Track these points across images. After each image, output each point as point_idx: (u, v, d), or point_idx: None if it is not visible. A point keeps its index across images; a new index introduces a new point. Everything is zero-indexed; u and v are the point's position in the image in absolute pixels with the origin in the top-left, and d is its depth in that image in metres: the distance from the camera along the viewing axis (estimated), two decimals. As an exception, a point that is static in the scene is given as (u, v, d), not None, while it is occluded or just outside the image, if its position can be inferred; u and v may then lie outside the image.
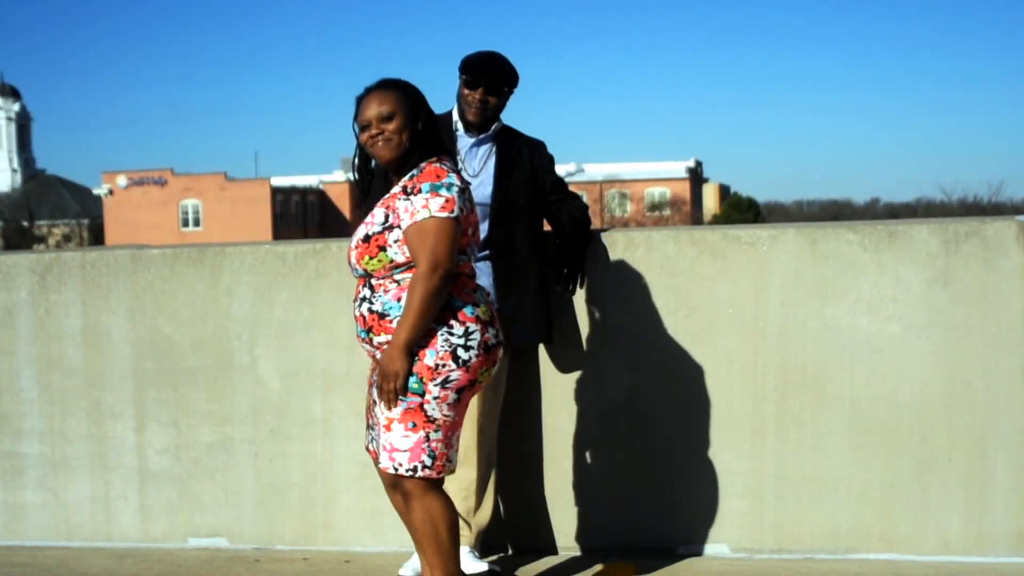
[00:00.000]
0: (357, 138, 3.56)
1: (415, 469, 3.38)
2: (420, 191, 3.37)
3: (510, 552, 4.59)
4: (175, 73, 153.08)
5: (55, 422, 4.90)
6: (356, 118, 3.53)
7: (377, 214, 3.45)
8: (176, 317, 4.79)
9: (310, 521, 4.73)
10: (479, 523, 4.19)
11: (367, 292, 3.46)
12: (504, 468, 4.40)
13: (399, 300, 3.39)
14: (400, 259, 3.39)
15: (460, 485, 4.12)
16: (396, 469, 3.39)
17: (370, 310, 3.44)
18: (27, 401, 4.92)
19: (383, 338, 3.41)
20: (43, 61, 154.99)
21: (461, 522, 4.12)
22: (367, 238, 3.43)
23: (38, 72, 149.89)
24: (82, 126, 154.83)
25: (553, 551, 4.57)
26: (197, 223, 65.94)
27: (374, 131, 3.47)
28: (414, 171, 3.45)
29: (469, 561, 4.11)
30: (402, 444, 3.38)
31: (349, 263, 3.53)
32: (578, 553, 4.54)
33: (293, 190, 70.21)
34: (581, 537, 4.56)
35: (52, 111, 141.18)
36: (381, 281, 3.44)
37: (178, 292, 4.78)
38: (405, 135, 3.46)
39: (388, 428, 3.39)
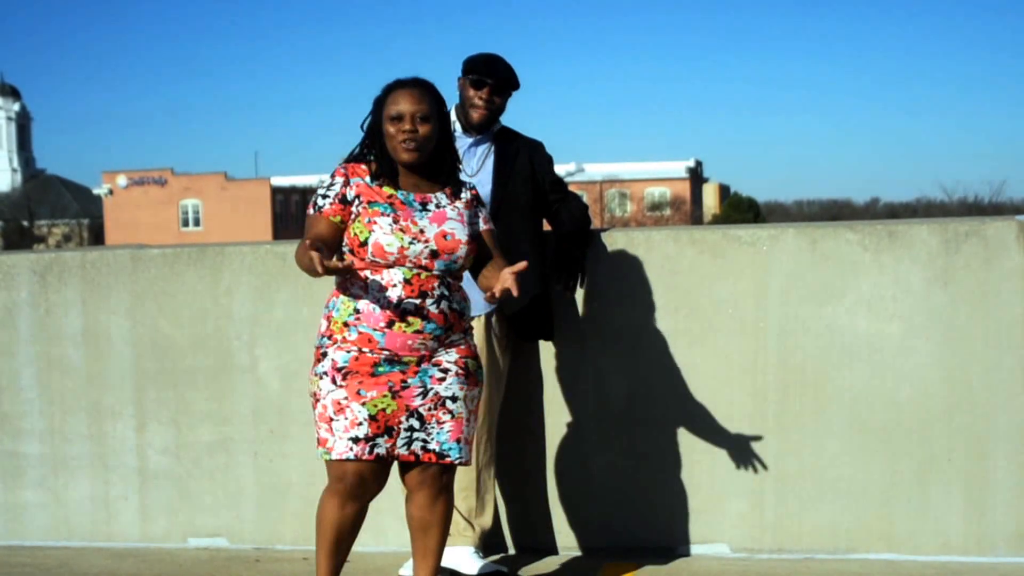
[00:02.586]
0: (377, 125, 3.48)
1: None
2: (484, 206, 3.66)
3: (511, 552, 4.59)
4: (175, 73, 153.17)
5: (55, 422, 4.91)
6: (384, 105, 3.45)
7: (466, 216, 3.50)
8: (176, 317, 4.79)
9: (310, 521, 4.71)
10: (481, 523, 4.19)
11: (444, 290, 3.43)
12: (504, 467, 4.40)
13: (465, 299, 3.53)
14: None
15: (461, 484, 4.12)
16: (468, 461, 3.53)
17: (451, 308, 3.44)
18: (27, 401, 4.93)
19: (458, 336, 3.48)
20: (43, 61, 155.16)
21: (463, 522, 4.13)
22: (474, 237, 3.50)
23: (38, 72, 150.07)
24: (82, 126, 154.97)
25: (553, 551, 4.57)
26: (197, 223, 65.96)
27: (407, 126, 3.41)
28: (466, 187, 3.59)
29: (473, 561, 4.11)
30: (471, 434, 3.53)
31: (437, 252, 3.40)
32: (578, 553, 4.54)
33: (293, 190, 70.19)
34: (581, 537, 4.56)
35: (52, 111, 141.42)
36: (454, 280, 3.48)
37: (178, 292, 4.78)
38: (433, 142, 3.47)
39: (469, 421, 3.50)
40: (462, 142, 4.22)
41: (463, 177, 4.15)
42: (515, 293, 3.24)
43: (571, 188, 4.52)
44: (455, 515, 4.12)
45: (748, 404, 4.41)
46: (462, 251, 3.43)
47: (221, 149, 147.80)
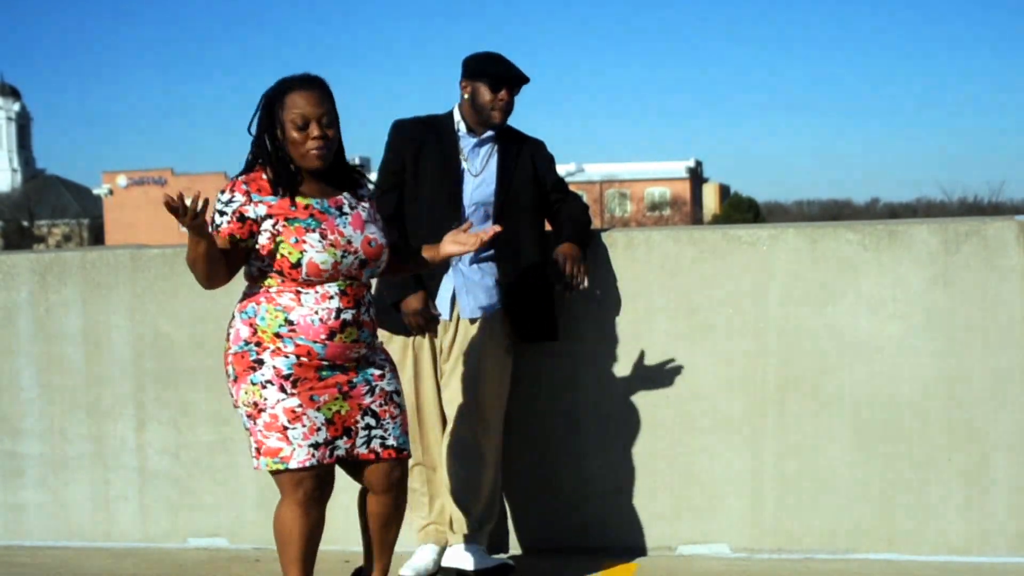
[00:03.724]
0: (270, 128, 3.31)
1: None
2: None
3: (511, 551, 4.59)
4: (175, 73, 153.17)
5: (55, 422, 4.91)
6: (281, 108, 3.29)
7: (374, 215, 3.47)
8: (176, 317, 4.79)
9: (310, 521, 4.72)
10: (484, 521, 4.18)
11: (369, 296, 3.46)
12: (505, 466, 4.40)
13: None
14: None
15: (467, 483, 4.12)
16: (411, 455, 3.56)
17: (374, 313, 3.48)
18: (27, 401, 4.93)
19: (376, 338, 3.51)
20: (43, 61, 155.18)
21: (464, 519, 4.13)
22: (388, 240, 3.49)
23: (38, 72, 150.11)
24: (82, 126, 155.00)
25: (553, 550, 4.56)
26: (197, 223, 65.97)
27: (316, 132, 3.27)
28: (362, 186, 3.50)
29: (473, 557, 4.10)
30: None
31: (366, 261, 3.36)
32: (578, 553, 4.53)
33: (293, 190, 70.11)
34: (581, 536, 4.56)
35: (52, 111, 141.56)
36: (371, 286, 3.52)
37: (178, 292, 4.78)
38: (336, 146, 3.37)
39: (407, 417, 3.55)
40: (466, 142, 4.21)
41: (466, 175, 4.17)
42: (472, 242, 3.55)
43: (571, 188, 4.52)
44: (457, 513, 4.12)
45: (748, 404, 4.41)
46: (384, 255, 3.43)
47: (221, 149, 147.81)
